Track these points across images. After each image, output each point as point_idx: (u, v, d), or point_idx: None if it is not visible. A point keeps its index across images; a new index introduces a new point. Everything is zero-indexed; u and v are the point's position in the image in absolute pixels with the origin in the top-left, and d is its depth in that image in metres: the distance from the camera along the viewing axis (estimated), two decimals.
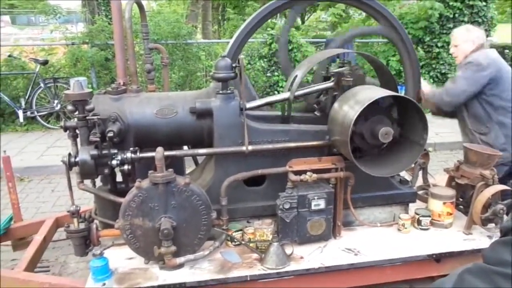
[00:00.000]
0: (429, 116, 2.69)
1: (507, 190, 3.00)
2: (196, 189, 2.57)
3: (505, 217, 2.91)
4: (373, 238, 2.99)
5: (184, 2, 13.49)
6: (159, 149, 2.52)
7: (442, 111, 3.88)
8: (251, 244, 2.82)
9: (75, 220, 2.66)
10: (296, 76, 2.99)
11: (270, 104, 3.17)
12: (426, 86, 3.81)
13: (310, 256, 2.78)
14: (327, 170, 2.86)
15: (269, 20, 6.28)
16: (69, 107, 2.58)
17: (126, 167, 2.62)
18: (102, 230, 2.80)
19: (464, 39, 3.69)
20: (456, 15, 9.47)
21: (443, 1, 9.26)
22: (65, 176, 2.69)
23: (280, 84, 8.60)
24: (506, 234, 0.90)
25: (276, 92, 8.55)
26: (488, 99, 3.57)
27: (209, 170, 3.01)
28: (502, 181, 3.17)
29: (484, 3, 9.38)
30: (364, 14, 9.99)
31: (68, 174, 2.72)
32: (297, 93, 2.96)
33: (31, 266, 3.04)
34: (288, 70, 3.40)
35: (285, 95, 3.01)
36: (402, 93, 3.20)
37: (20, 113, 7.98)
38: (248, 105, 2.88)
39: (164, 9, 10.34)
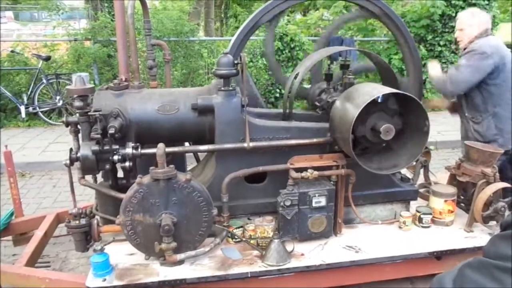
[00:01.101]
0: (431, 115, 2.68)
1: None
2: (197, 186, 2.57)
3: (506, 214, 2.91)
4: (374, 236, 2.99)
5: (188, 0, 13.49)
6: (160, 145, 2.52)
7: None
8: (251, 241, 2.82)
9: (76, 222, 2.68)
10: (298, 73, 2.99)
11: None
12: (434, 69, 3.77)
13: (311, 253, 2.78)
14: (328, 168, 2.86)
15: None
16: (76, 103, 2.58)
17: (127, 163, 2.62)
18: (103, 225, 2.81)
19: (469, 23, 3.63)
20: (457, 15, 9.44)
21: None
22: (67, 172, 2.70)
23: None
24: (506, 229, 0.90)
25: (277, 90, 8.54)
26: (488, 88, 3.52)
27: (210, 166, 3.01)
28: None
29: (486, 2, 9.32)
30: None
31: (70, 176, 2.72)
32: None
33: (32, 262, 3.05)
34: (279, 77, 3.45)
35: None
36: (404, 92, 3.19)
37: (22, 108, 7.98)
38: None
39: (168, 6, 10.30)
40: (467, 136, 3.72)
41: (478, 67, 3.45)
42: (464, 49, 3.71)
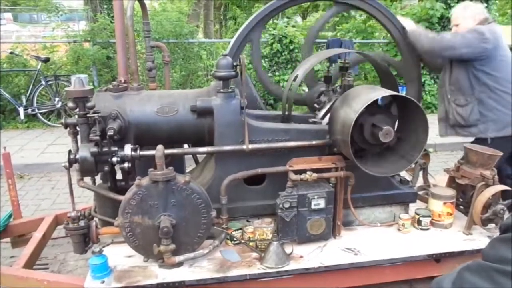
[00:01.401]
0: (429, 117, 2.69)
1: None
2: (196, 188, 2.56)
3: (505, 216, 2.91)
4: (373, 238, 2.99)
5: (188, 1, 13.49)
6: (159, 147, 2.52)
7: (427, 60, 3.68)
8: (250, 243, 2.81)
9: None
10: (297, 75, 2.99)
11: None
12: (408, 22, 3.52)
13: (309, 256, 2.77)
14: (327, 170, 2.86)
15: (271, 20, 6.28)
16: (70, 104, 2.58)
17: (126, 164, 2.62)
18: (102, 227, 2.80)
19: (464, 16, 3.59)
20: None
21: (444, 2, 9.25)
22: (65, 174, 2.70)
23: (281, 84, 8.60)
24: (505, 232, 0.90)
25: None
26: (476, 73, 3.46)
27: (209, 168, 3.01)
28: None
29: (485, 5, 9.36)
30: (365, 15, 9.99)
31: (69, 178, 2.72)
32: None
33: (30, 263, 3.04)
34: (269, 87, 3.45)
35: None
36: (403, 93, 3.19)
37: (21, 110, 7.97)
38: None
39: (168, 7, 10.31)
40: (447, 118, 3.68)
41: (471, 43, 3.37)
42: None
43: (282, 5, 3.16)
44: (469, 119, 3.53)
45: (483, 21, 3.56)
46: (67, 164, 2.60)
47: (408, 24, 3.47)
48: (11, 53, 8.62)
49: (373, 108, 2.63)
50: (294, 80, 2.99)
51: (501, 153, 3.15)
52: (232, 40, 3.20)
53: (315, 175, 2.78)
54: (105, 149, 2.57)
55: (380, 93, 2.64)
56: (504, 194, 3.02)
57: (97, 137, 2.52)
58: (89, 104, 2.56)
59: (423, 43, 3.37)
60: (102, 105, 2.70)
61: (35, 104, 8.10)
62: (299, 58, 8.61)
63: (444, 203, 3.08)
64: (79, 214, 2.68)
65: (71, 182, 2.74)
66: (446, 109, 3.71)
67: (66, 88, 2.76)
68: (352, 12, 10.80)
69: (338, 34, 10.58)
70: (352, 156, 2.59)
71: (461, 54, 3.41)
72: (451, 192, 3.16)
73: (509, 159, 3.59)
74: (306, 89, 3.77)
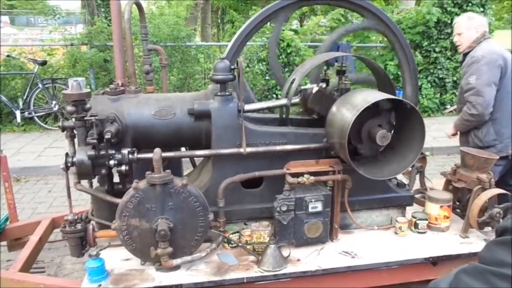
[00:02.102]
0: (426, 121, 2.70)
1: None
2: (194, 191, 2.56)
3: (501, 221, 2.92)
4: (370, 241, 2.99)
5: (187, 5, 13.52)
6: (157, 150, 2.52)
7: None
8: (248, 246, 2.81)
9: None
10: (294, 79, 3.00)
11: (267, 109, 3.18)
12: (450, 128, 3.88)
13: (307, 259, 2.77)
14: (325, 173, 2.86)
15: (268, 24, 6.30)
16: (69, 108, 2.57)
17: (123, 167, 2.62)
18: (99, 231, 2.80)
19: (467, 27, 3.64)
20: (454, 20, 9.52)
21: (440, 7, 9.30)
22: (62, 177, 2.69)
23: (278, 88, 8.61)
24: (501, 234, 0.90)
25: (274, 95, 8.57)
26: None
27: (206, 171, 3.01)
28: (498, 184, 3.16)
29: (481, 9, 9.41)
30: (362, 19, 10.02)
31: (67, 181, 2.72)
32: (247, 107, 2.95)
33: (27, 267, 3.02)
34: (279, 77, 3.46)
35: (283, 101, 3.02)
36: (400, 97, 3.20)
37: (18, 113, 7.96)
38: (246, 107, 2.89)
39: (165, 11, 10.34)
40: (467, 141, 3.71)
41: (492, 78, 3.44)
42: (464, 54, 3.71)
43: (279, 9, 3.16)
44: (486, 140, 3.55)
45: (481, 36, 3.61)
46: (64, 166, 2.60)
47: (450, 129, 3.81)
48: (8, 56, 8.62)
49: (370, 111, 2.64)
50: (291, 84, 3.00)
51: (497, 157, 3.17)
52: (230, 44, 3.20)
53: (312, 178, 2.78)
54: (103, 152, 2.57)
55: (377, 96, 2.65)
56: (500, 198, 3.03)
57: (95, 140, 2.52)
58: (86, 107, 2.55)
59: (478, 117, 3.52)
60: (100, 108, 2.70)
61: (32, 107, 8.09)
62: (296, 62, 8.64)
63: (441, 207, 3.09)
64: (76, 217, 2.67)
65: (69, 185, 2.74)
66: (466, 136, 3.76)
67: (64, 91, 2.75)
68: (349, 17, 10.83)
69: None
70: (349, 159, 2.60)
71: (490, 91, 3.46)
72: (447, 195, 3.17)
73: None
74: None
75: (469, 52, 3.68)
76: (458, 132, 3.87)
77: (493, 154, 3.18)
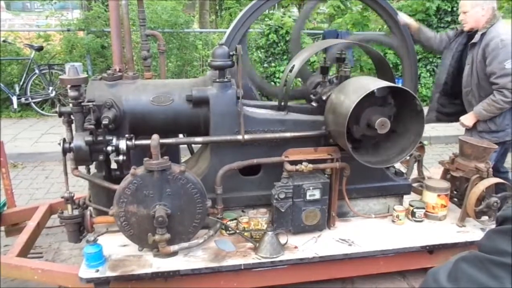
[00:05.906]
0: (426, 110, 2.69)
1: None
2: (191, 177, 2.56)
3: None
4: (367, 229, 3.00)
5: None
6: (155, 136, 2.51)
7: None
8: (245, 233, 2.82)
9: (69, 206, 2.66)
10: (294, 66, 2.98)
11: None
12: (470, 117, 3.51)
13: (304, 246, 2.78)
14: (323, 161, 2.86)
15: (266, 11, 6.25)
16: (71, 93, 2.55)
17: (120, 157, 2.60)
18: (96, 217, 2.80)
19: (473, 4, 3.49)
20: (454, 8, 9.43)
21: None
22: (59, 163, 2.68)
23: (276, 75, 8.57)
24: (502, 223, 0.90)
25: (272, 83, 8.52)
26: None
27: (204, 158, 3.00)
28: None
29: None
30: (361, 6, 9.95)
31: (64, 160, 2.70)
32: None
33: (24, 252, 3.02)
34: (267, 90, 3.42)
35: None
36: (399, 85, 3.18)
37: (14, 99, 7.90)
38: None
39: None
40: (474, 126, 3.53)
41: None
42: (469, 32, 3.58)
43: None
44: (502, 125, 3.44)
45: (492, 15, 3.43)
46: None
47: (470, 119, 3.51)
48: (4, 41, 8.52)
49: (369, 99, 2.62)
50: (291, 71, 2.98)
51: (496, 146, 3.16)
52: (228, 30, 3.17)
53: (310, 166, 2.78)
54: (100, 138, 2.55)
55: (377, 84, 2.63)
56: (497, 187, 3.03)
57: (92, 126, 2.50)
58: (81, 91, 2.54)
59: (507, 106, 3.31)
60: (97, 93, 2.68)
61: (28, 93, 8.02)
62: None
63: (438, 195, 3.10)
64: (73, 195, 2.66)
65: (66, 167, 2.72)
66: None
67: (61, 77, 2.73)
68: (349, 4, 10.75)
69: (335, 26, 10.54)
70: (348, 147, 2.59)
71: None
72: (445, 184, 3.18)
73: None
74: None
75: (472, 31, 3.58)
76: None
77: (492, 144, 3.16)
